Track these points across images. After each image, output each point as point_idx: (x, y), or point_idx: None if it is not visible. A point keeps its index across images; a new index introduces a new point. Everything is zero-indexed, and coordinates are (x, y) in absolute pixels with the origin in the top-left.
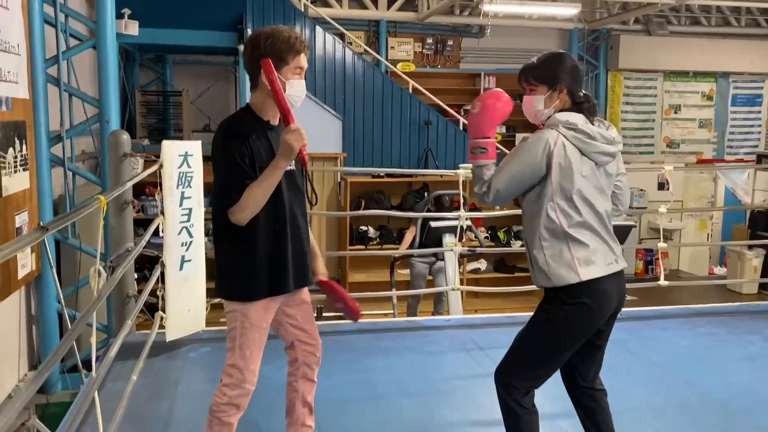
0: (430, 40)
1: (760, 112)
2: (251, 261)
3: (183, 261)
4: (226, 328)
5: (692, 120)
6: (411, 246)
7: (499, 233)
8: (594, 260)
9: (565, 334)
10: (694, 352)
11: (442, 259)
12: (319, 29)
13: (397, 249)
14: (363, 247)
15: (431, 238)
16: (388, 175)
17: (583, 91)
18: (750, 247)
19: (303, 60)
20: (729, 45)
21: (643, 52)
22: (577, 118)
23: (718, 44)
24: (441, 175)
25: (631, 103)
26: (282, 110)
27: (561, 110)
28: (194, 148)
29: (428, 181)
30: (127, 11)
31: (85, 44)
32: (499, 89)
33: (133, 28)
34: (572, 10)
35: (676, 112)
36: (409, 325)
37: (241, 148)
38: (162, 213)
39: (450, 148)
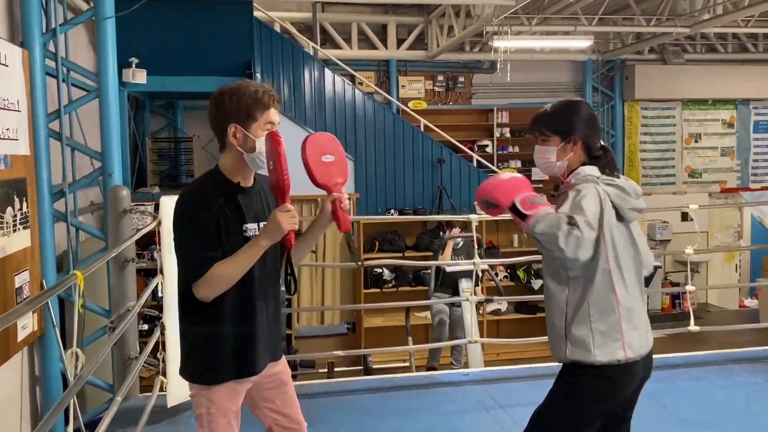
0: (441, 77)
1: None
2: (214, 339)
3: None
4: None
5: (714, 148)
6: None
7: (518, 272)
8: (639, 334)
9: (589, 409)
10: (732, 406)
11: (460, 306)
12: (328, 71)
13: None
14: (378, 290)
15: (447, 282)
16: (401, 215)
17: (602, 143)
18: None
19: (273, 114)
20: (747, 71)
21: (660, 82)
22: (597, 172)
23: (736, 71)
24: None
25: (650, 133)
26: (281, 188)
27: (580, 163)
28: None
29: (442, 220)
30: (134, 60)
31: (86, 97)
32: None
33: (140, 77)
34: (585, 42)
35: (696, 141)
36: (424, 381)
37: (206, 215)
38: (161, 272)
39: (464, 186)
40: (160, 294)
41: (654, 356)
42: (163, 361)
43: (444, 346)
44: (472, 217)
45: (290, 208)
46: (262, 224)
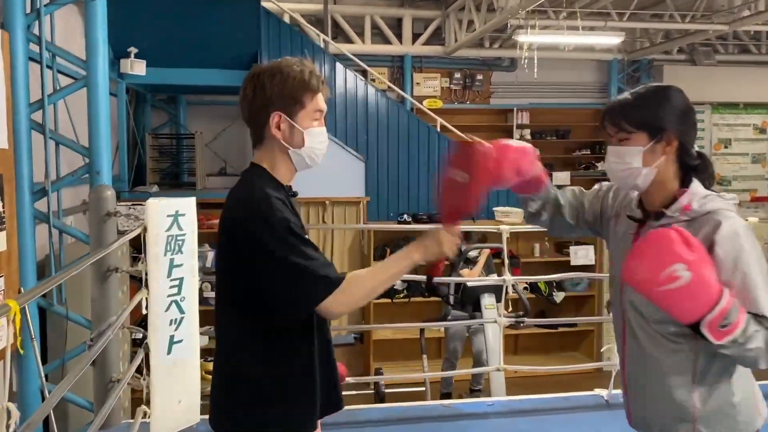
0: (458, 75)
1: None
2: (309, 376)
3: (172, 342)
4: None
5: (744, 155)
6: (445, 304)
7: (540, 284)
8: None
9: None
10: None
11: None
12: (339, 66)
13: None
14: (389, 300)
15: (467, 298)
16: (416, 220)
17: (697, 148)
18: None
19: (322, 101)
20: None
21: (689, 83)
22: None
23: None
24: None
25: None
26: (461, 209)
27: (675, 175)
28: (186, 206)
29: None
30: (133, 50)
31: (73, 86)
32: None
33: (140, 68)
34: (616, 39)
35: (726, 147)
36: (444, 412)
37: (294, 219)
38: (146, 286)
39: None
40: (144, 311)
41: None
42: (148, 387)
43: (462, 358)
44: (503, 228)
45: (457, 230)
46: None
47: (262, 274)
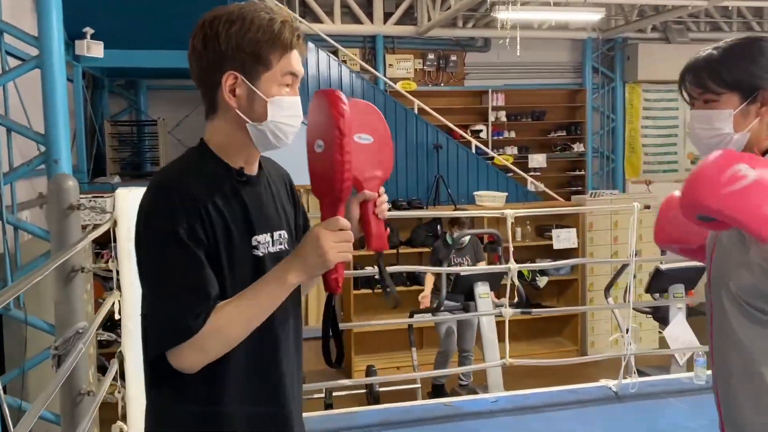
0: (431, 56)
1: None
2: (216, 423)
3: None
4: None
5: None
6: (436, 296)
7: (523, 271)
8: None
9: None
10: None
11: (468, 312)
12: (310, 45)
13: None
14: (370, 290)
15: (460, 287)
16: (395, 207)
17: None
18: None
19: (296, 61)
20: None
21: (663, 62)
22: None
23: None
24: (455, 212)
25: (652, 117)
26: (333, 189)
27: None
28: None
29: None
30: (89, 30)
31: (24, 66)
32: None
33: (97, 50)
34: (596, 16)
35: None
36: (446, 412)
37: (193, 222)
38: (118, 287)
39: (463, 174)
40: (117, 315)
41: None
42: (123, 399)
43: (453, 367)
44: (508, 212)
45: (345, 224)
46: (278, 235)
47: (141, 281)
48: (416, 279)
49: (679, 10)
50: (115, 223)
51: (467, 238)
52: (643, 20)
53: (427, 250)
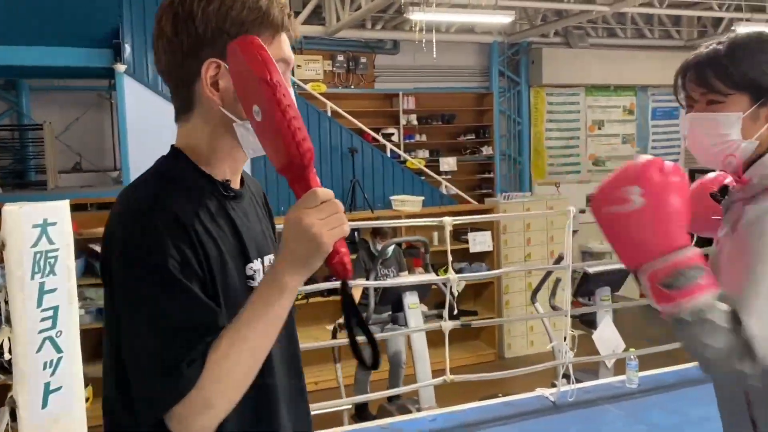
0: (340, 57)
1: (678, 125)
2: None
3: (47, 392)
4: None
5: (616, 135)
6: (362, 308)
7: (439, 272)
8: None
9: None
10: None
11: (404, 324)
12: None
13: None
14: None
15: (388, 298)
16: None
17: None
18: None
19: (288, 47)
20: (646, 57)
21: (565, 67)
22: None
23: (635, 56)
24: (376, 216)
25: (555, 120)
26: (295, 157)
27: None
28: (56, 212)
29: (356, 219)
30: None
31: None
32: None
33: None
34: (506, 18)
35: (599, 128)
36: None
37: (181, 250)
38: (7, 322)
39: (378, 178)
40: (7, 356)
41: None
42: None
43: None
44: (446, 220)
45: (325, 193)
46: (268, 261)
47: (111, 320)
48: (333, 289)
49: (580, 16)
50: (2, 245)
51: (392, 247)
52: (546, 25)
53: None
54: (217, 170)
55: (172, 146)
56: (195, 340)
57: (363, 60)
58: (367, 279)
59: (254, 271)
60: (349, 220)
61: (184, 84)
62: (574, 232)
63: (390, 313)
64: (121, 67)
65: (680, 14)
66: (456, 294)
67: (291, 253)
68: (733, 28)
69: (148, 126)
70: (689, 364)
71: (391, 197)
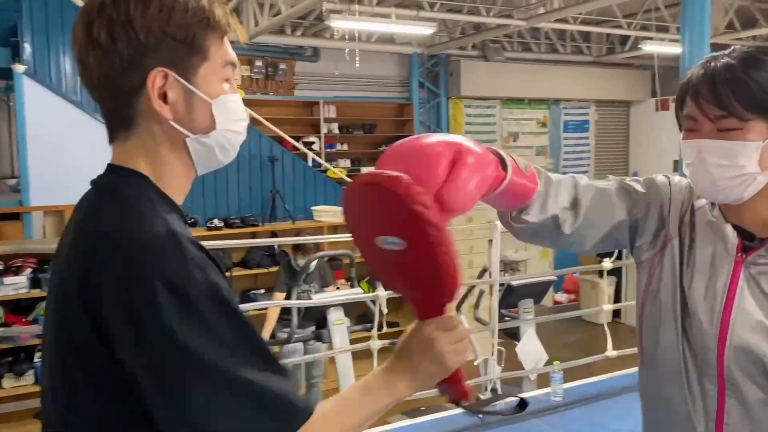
0: (259, 63)
1: (588, 137)
2: None
3: None
4: None
5: (530, 147)
6: (284, 326)
7: (362, 284)
8: None
9: None
10: None
11: (325, 342)
12: None
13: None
14: None
15: (312, 315)
16: (227, 226)
17: None
18: (601, 274)
19: (230, 50)
20: (558, 71)
21: (483, 79)
22: None
23: (548, 70)
24: (297, 230)
25: (473, 131)
26: (445, 294)
27: None
28: None
29: (277, 230)
30: None
31: None
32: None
33: None
34: (428, 30)
35: (515, 140)
36: None
37: (219, 276)
38: None
39: (299, 188)
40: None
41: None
42: None
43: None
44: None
45: (458, 322)
46: None
47: (161, 394)
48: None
49: (497, 30)
50: None
51: (314, 263)
52: (464, 38)
53: (262, 271)
54: (175, 196)
55: (113, 165)
56: (286, 373)
57: (282, 66)
58: (289, 295)
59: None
60: (270, 232)
61: (123, 98)
62: (490, 241)
63: (314, 329)
64: (20, 68)
65: (590, 31)
66: (385, 312)
67: (415, 366)
68: (639, 46)
69: (49, 131)
70: (607, 375)
71: (313, 208)
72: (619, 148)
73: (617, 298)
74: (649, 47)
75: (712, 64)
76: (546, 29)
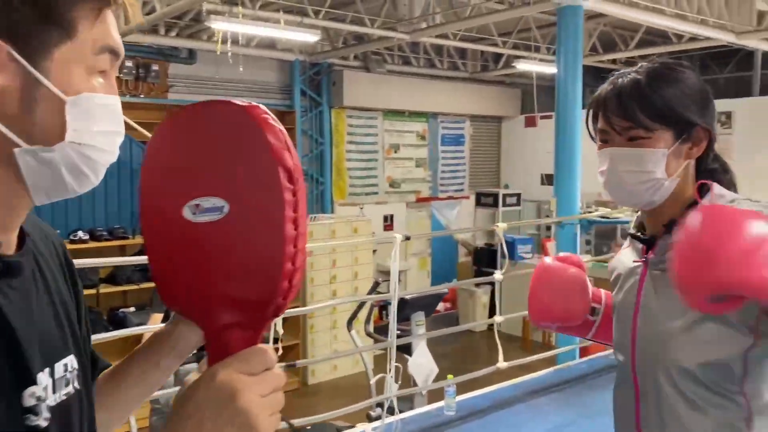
0: (129, 63)
1: (463, 151)
2: None
3: None
4: None
5: (410, 159)
6: None
7: None
8: None
9: None
10: None
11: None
12: None
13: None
14: None
15: None
16: (93, 239)
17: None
18: (477, 283)
19: (115, 30)
20: (436, 86)
21: (365, 90)
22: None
23: (427, 85)
24: None
25: (355, 142)
26: (276, 294)
27: (694, 182)
28: None
29: None
30: None
31: None
32: None
33: None
34: (312, 37)
35: (396, 152)
36: None
37: None
38: None
39: None
40: None
41: None
42: None
43: None
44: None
45: (272, 359)
46: (62, 368)
47: None
48: (121, 323)
49: (379, 42)
50: None
51: None
52: (346, 48)
53: (133, 287)
54: None
55: None
56: None
57: (155, 68)
58: (166, 317)
59: (38, 398)
60: (141, 245)
61: None
62: (374, 251)
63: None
64: None
65: (465, 47)
66: (281, 333)
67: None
68: (513, 64)
69: None
70: (495, 386)
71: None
72: (491, 162)
73: (492, 307)
74: (522, 66)
75: (620, 80)
76: (425, 44)
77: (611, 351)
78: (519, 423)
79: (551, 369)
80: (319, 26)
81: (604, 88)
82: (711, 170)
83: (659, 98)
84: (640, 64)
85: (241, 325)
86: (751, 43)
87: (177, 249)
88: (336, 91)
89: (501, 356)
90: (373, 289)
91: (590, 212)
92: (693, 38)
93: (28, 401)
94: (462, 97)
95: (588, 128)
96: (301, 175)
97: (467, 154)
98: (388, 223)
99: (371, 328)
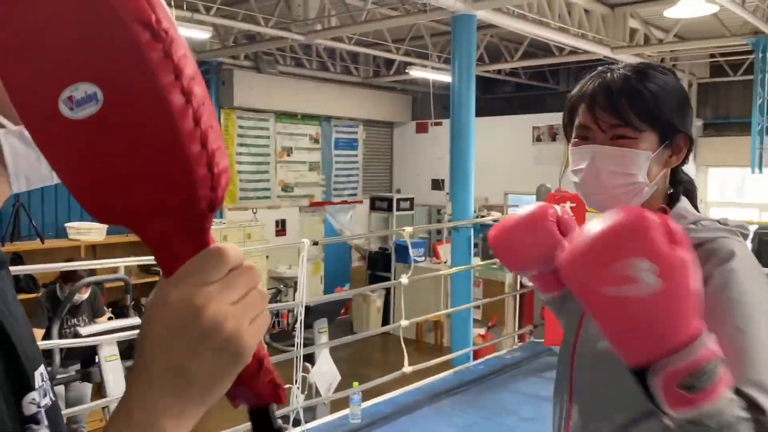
0: None
1: (357, 155)
2: None
3: None
4: None
5: (303, 163)
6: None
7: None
8: None
9: None
10: None
11: (99, 380)
12: None
13: None
14: None
15: (78, 352)
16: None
17: None
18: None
19: None
20: (329, 89)
21: (256, 91)
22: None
23: (320, 88)
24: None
25: (246, 144)
26: (198, 186)
27: (665, 190)
28: None
29: (21, 251)
30: None
31: None
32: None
33: None
34: (204, 34)
35: (288, 155)
36: None
37: None
38: None
39: (50, 202)
40: None
41: None
42: None
43: None
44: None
45: (238, 256)
46: (40, 377)
47: None
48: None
49: (271, 42)
50: None
51: (84, 294)
52: (237, 47)
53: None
54: None
55: None
56: None
57: None
58: (49, 330)
59: (39, 407)
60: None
61: None
62: (266, 257)
63: (78, 368)
64: None
65: (358, 51)
66: None
67: (177, 373)
68: (406, 71)
69: None
70: (398, 391)
71: (67, 224)
72: (384, 166)
73: (386, 311)
74: (415, 72)
75: (608, 75)
76: (318, 47)
77: (504, 351)
78: (424, 427)
79: (450, 371)
80: (210, 23)
81: (588, 83)
82: (682, 182)
83: (652, 98)
84: (623, 63)
85: (178, 230)
86: (624, 57)
87: (74, 156)
88: (225, 91)
89: (406, 361)
90: (274, 297)
91: (482, 216)
92: (573, 51)
93: (29, 409)
94: (355, 101)
95: (563, 122)
96: (176, 30)
97: (360, 159)
98: (280, 228)
99: (268, 337)
